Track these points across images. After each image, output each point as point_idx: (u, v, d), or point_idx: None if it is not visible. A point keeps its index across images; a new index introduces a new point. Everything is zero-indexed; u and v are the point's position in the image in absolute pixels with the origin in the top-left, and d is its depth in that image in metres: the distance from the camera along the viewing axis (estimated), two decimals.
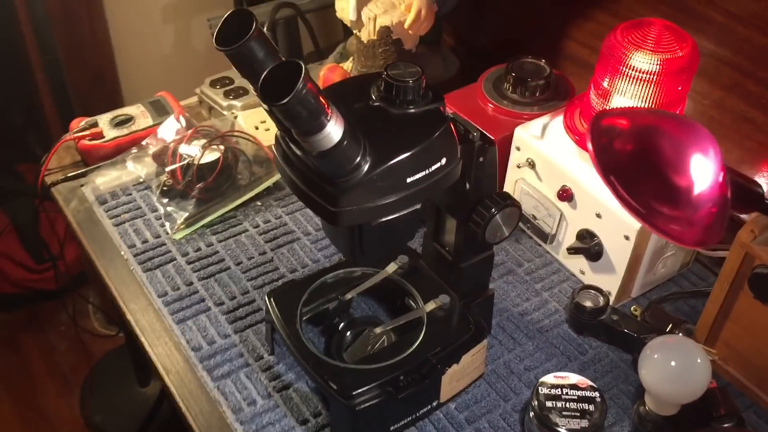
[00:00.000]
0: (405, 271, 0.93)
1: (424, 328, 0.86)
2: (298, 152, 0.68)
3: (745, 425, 0.86)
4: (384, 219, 0.70)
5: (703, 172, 0.54)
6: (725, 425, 0.85)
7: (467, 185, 0.80)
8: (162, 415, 1.69)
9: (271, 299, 0.90)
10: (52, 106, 1.57)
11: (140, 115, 1.23)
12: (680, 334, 0.93)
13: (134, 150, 1.18)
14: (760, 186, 0.58)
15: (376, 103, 0.70)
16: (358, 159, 0.65)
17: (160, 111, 1.23)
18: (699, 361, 0.79)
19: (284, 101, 0.56)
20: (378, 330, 0.88)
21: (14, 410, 1.89)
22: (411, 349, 0.84)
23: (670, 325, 0.94)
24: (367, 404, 0.80)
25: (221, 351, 0.94)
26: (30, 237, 2.01)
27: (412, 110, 0.70)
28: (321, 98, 0.59)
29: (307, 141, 0.62)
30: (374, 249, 0.77)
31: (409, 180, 0.68)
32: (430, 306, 0.88)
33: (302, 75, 0.56)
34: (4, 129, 2.02)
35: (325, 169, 0.65)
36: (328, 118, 0.60)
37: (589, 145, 0.59)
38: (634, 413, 0.87)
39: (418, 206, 0.72)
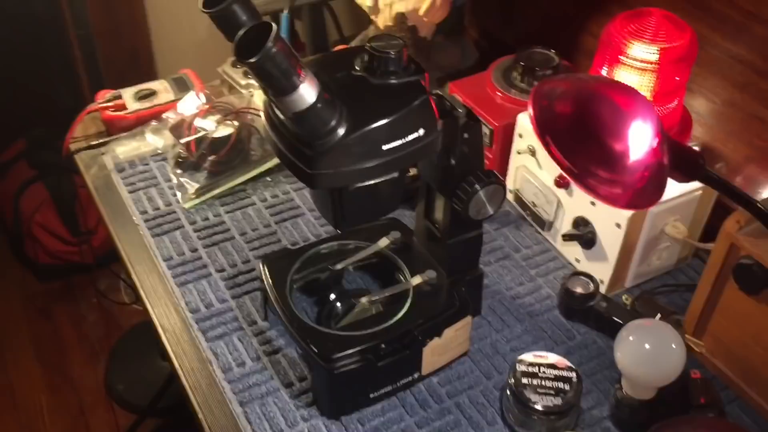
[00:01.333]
0: (397, 246, 0.95)
1: (409, 300, 0.88)
2: (281, 116, 0.71)
3: (726, 417, 0.86)
4: (360, 184, 0.72)
5: (639, 138, 0.55)
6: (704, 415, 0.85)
7: (452, 161, 0.82)
8: (174, 388, 1.73)
9: (264, 265, 0.93)
10: (88, 84, 1.64)
11: (163, 90, 1.28)
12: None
13: (154, 122, 1.23)
14: (702, 157, 0.58)
15: (358, 73, 0.73)
16: (334, 123, 0.67)
17: (182, 87, 1.28)
18: (674, 346, 0.80)
19: (254, 59, 0.59)
20: (364, 300, 0.90)
21: (42, 375, 1.97)
22: (394, 320, 0.87)
23: (659, 315, 0.94)
24: (346, 369, 0.83)
25: (217, 314, 0.98)
26: (67, 211, 2.09)
27: (393, 81, 0.72)
28: (293, 60, 0.62)
29: (281, 101, 0.65)
30: (355, 215, 0.79)
31: (385, 147, 0.71)
32: (417, 280, 0.90)
33: (272, 35, 0.59)
34: (53, 108, 2.10)
35: (301, 131, 0.68)
36: (301, 79, 0.63)
37: (530, 107, 0.60)
38: (611, 396, 0.87)
39: (396, 174, 0.74)
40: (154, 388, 1.80)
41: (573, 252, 1.05)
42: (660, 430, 0.83)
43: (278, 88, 0.63)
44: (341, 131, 0.68)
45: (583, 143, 0.57)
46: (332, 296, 0.94)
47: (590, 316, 0.97)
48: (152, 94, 1.27)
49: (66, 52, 1.74)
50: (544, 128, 0.58)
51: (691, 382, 0.86)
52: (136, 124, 1.24)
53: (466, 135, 0.80)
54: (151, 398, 1.77)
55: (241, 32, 0.61)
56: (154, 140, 1.21)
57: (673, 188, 0.86)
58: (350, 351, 0.83)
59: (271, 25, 0.60)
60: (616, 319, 0.94)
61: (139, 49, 1.65)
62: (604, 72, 0.95)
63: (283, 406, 0.88)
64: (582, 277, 0.98)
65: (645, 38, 0.91)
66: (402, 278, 0.93)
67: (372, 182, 0.73)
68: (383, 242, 0.95)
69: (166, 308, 0.99)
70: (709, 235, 1.05)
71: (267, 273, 0.92)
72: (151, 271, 1.04)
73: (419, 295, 0.89)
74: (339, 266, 0.93)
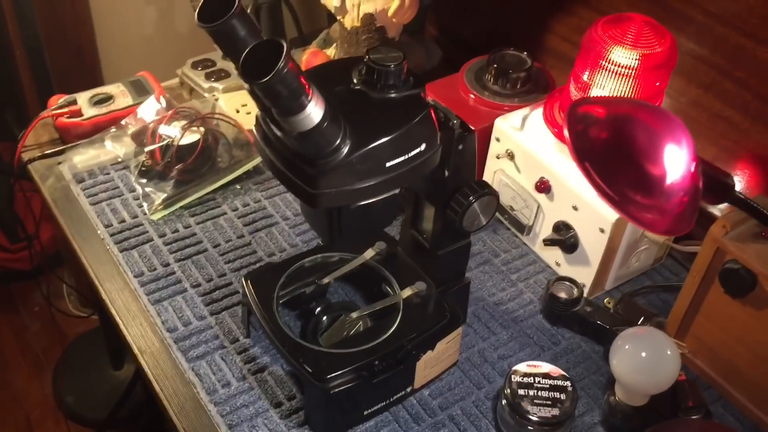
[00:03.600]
0: (382, 257, 0.93)
1: (400, 314, 0.87)
2: (278, 133, 0.68)
3: (712, 417, 0.88)
4: (363, 203, 0.70)
5: (675, 161, 0.55)
6: (693, 417, 0.87)
7: (446, 172, 0.80)
8: (134, 398, 1.68)
9: (248, 281, 0.90)
10: (31, 84, 1.55)
11: (120, 94, 1.22)
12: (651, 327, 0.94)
13: (113, 129, 1.17)
14: (731, 177, 0.59)
15: (357, 87, 0.70)
16: (338, 141, 0.65)
17: (140, 91, 1.23)
18: (669, 352, 0.81)
19: (265, 79, 0.56)
20: (354, 315, 0.88)
21: None
22: (386, 335, 0.85)
23: (642, 318, 0.96)
24: (342, 388, 0.81)
25: (197, 332, 0.94)
26: (5, 216, 1.99)
27: (393, 95, 0.70)
28: (302, 79, 0.59)
29: (287, 121, 0.62)
30: (352, 232, 0.77)
31: (388, 164, 0.69)
32: (407, 292, 0.89)
33: (284, 54, 0.56)
34: None
35: (305, 151, 0.65)
36: (309, 98, 0.60)
37: (566, 132, 0.59)
38: (604, 403, 0.88)
39: (397, 191, 0.72)
40: (107, 399, 1.74)
41: (553, 256, 1.05)
42: None
43: (286, 108, 0.60)
44: (345, 149, 0.65)
45: (618, 168, 0.56)
46: (317, 310, 0.92)
47: (575, 320, 0.97)
48: (109, 98, 1.21)
49: (3, 50, 1.64)
50: (582, 154, 0.57)
51: (678, 384, 0.88)
52: (93, 132, 1.17)
53: (460, 146, 0.79)
54: (107, 410, 1.70)
55: (247, 50, 0.58)
56: (114, 148, 1.16)
57: None
58: (344, 369, 0.81)
59: (281, 43, 0.57)
60: (600, 323, 0.95)
61: (84, 46, 1.57)
62: (585, 77, 0.95)
63: (273, 427, 0.85)
64: (565, 282, 0.99)
65: (626, 44, 0.91)
66: (389, 290, 0.91)
67: (373, 200, 0.70)
68: (369, 253, 0.93)
69: (142, 328, 0.94)
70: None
71: (251, 290, 0.89)
72: (122, 288, 0.99)
73: (409, 307, 0.88)
74: (326, 280, 0.91)
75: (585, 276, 1.00)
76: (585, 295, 1.00)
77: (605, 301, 1.01)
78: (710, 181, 0.57)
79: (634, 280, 1.06)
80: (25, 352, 1.97)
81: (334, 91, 0.69)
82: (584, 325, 0.97)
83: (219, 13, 0.61)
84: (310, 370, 0.81)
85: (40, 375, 1.91)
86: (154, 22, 1.69)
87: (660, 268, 1.08)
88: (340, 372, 0.81)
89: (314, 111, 0.61)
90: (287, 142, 0.67)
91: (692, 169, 0.55)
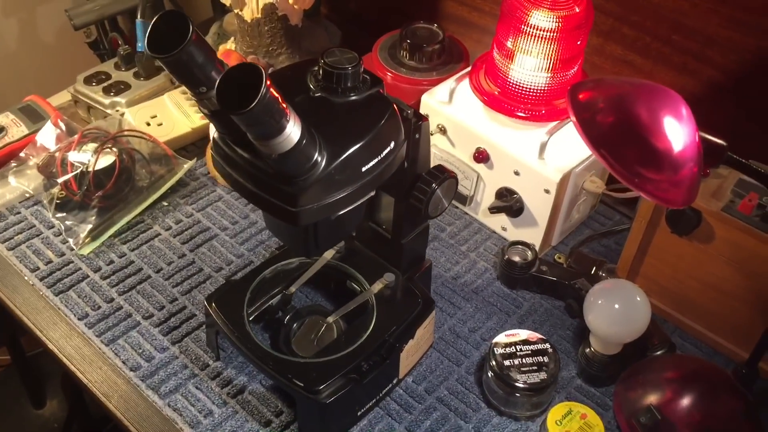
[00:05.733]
0: (342, 254, 0.92)
1: (375, 309, 0.86)
2: (245, 154, 0.65)
3: (675, 350, 0.94)
4: (343, 212, 0.68)
5: (678, 133, 0.57)
6: (659, 353, 0.92)
7: (405, 163, 0.79)
8: None
9: (213, 304, 0.86)
10: None
11: (11, 123, 1.12)
12: (604, 274, 0.98)
13: (14, 164, 1.08)
14: (722, 140, 0.62)
15: (317, 94, 0.68)
16: (316, 155, 0.62)
17: (33, 117, 1.13)
18: (639, 299, 0.85)
19: (248, 109, 0.53)
20: (330, 319, 0.86)
21: None
22: (367, 333, 0.84)
23: (594, 267, 1.00)
24: (335, 396, 0.79)
25: (163, 366, 0.89)
26: None
27: (355, 97, 0.68)
28: (281, 100, 0.56)
29: (266, 145, 0.59)
30: (327, 241, 0.75)
31: (364, 169, 0.67)
32: (377, 286, 0.88)
33: (264, 79, 0.53)
34: None
35: (285, 170, 0.62)
36: (288, 119, 0.58)
37: (573, 119, 0.60)
38: (580, 356, 0.91)
39: (373, 193, 0.71)
40: None
41: (498, 221, 1.07)
42: (631, 378, 0.89)
43: (266, 132, 0.57)
44: (323, 162, 0.63)
45: (626, 148, 0.57)
46: (286, 319, 0.90)
47: (532, 281, 1.00)
48: (0, 130, 1.11)
49: None
50: (596, 142, 0.58)
51: None
52: None
53: (417, 135, 0.78)
54: None
55: (220, 79, 0.54)
56: (19, 183, 1.07)
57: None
58: (335, 377, 0.80)
59: (257, 68, 0.53)
60: (557, 279, 0.99)
61: None
62: (509, 43, 0.96)
63: None
64: (518, 246, 1.01)
65: (544, 7, 0.93)
66: (355, 286, 0.90)
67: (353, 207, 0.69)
68: (329, 253, 0.91)
69: (103, 372, 0.89)
70: (612, 180, 1.11)
71: (218, 313, 0.85)
72: (69, 334, 0.92)
73: (382, 301, 0.87)
74: (293, 288, 0.88)
75: (533, 237, 1.03)
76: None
77: (555, 257, 1.04)
78: (707, 147, 0.59)
79: (575, 231, 1.10)
80: None
81: (295, 102, 0.66)
82: (542, 284, 1.00)
83: (172, 40, 0.57)
84: (302, 385, 0.79)
85: None
86: (15, 36, 1.56)
87: (595, 215, 1.12)
88: (331, 381, 0.80)
89: (294, 131, 0.58)
90: (258, 162, 0.64)
91: (696, 138, 0.57)
